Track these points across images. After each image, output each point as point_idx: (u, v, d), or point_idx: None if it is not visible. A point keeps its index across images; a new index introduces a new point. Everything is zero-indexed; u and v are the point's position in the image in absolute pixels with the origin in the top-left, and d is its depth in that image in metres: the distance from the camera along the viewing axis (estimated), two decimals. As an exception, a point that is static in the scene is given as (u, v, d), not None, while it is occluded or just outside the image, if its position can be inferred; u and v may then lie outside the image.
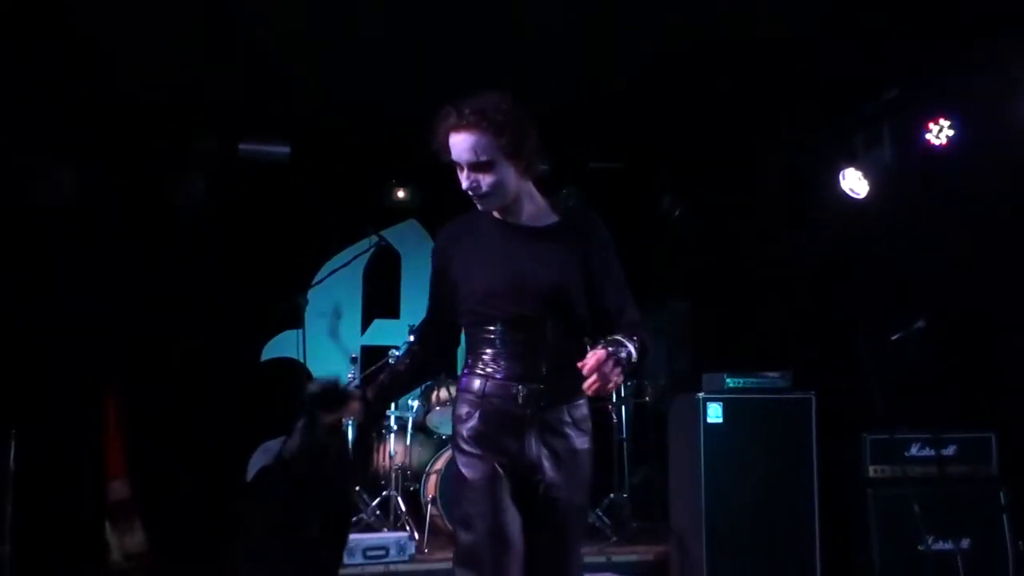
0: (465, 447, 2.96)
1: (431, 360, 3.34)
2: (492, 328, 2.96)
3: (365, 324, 8.32)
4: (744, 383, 5.94)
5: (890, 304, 6.22)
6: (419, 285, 8.26)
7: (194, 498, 7.01)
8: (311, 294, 7.53)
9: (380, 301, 8.36)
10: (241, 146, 7.24)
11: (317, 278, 7.71)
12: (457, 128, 2.92)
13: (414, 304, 8.32)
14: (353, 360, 7.16)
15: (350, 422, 6.75)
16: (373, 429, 7.22)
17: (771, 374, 6.00)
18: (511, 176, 2.98)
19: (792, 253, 7.08)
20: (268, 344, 7.92)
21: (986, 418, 5.84)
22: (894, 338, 5.31)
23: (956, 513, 5.43)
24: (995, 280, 5.94)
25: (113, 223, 7.13)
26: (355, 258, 7.80)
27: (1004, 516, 5.59)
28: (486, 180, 2.95)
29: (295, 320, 7.38)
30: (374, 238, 7.68)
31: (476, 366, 3.01)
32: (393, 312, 8.37)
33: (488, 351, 2.98)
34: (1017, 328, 5.84)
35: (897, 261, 6.48)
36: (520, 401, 2.92)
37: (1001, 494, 5.65)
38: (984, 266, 5.97)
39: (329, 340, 8.12)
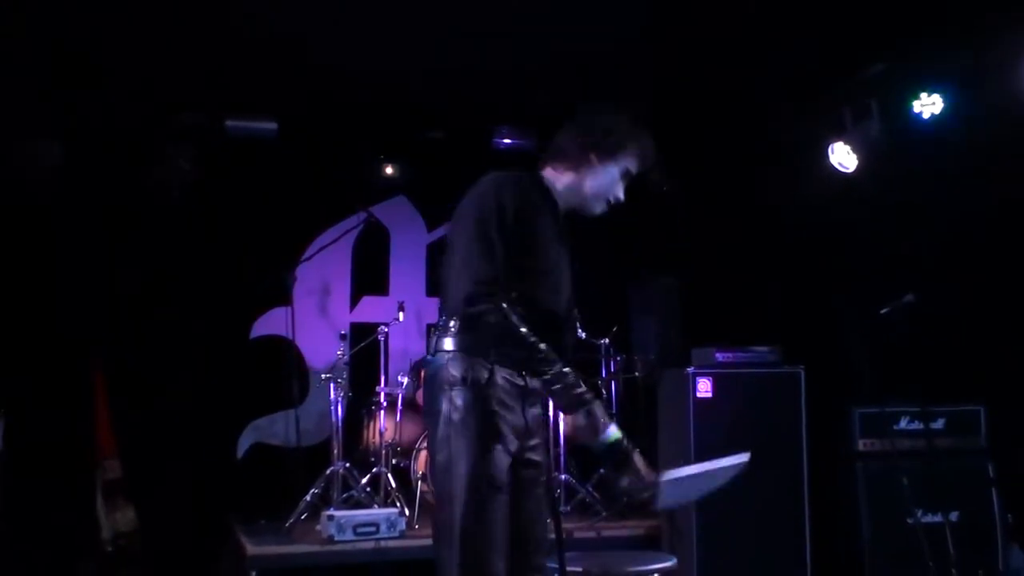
0: (473, 407, 2.85)
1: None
2: (532, 311, 2.87)
3: (354, 301, 8.30)
4: (733, 358, 5.95)
5: (879, 278, 6.22)
6: (408, 261, 8.28)
7: (184, 476, 7.02)
8: (300, 271, 7.50)
9: (369, 278, 8.34)
10: (228, 122, 7.19)
11: (306, 255, 7.69)
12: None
13: (403, 281, 8.31)
14: (342, 337, 7.14)
15: (340, 399, 6.77)
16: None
17: (760, 348, 6.00)
18: None
19: (781, 228, 7.08)
20: (257, 321, 7.90)
21: (975, 391, 5.86)
22: (883, 312, 5.30)
23: (945, 486, 5.45)
24: (983, 253, 5.95)
25: (100, 199, 7.10)
26: (344, 234, 7.78)
27: (992, 489, 5.63)
28: None
29: (284, 297, 7.37)
30: (363, 214, 7.65)
31: (481, 337, 2.88)
32: (382, 289, 8.36)
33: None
34: (1005, 302, 5.86)
35: (886, 235, 6.49)
36: (523, 372, 2.92)
37: (989, 467, 5.68)
38: (972, 239, 5.99)
39: (318, 316, 8.10)
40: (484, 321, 2.82)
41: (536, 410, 3.04)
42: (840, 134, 6.57)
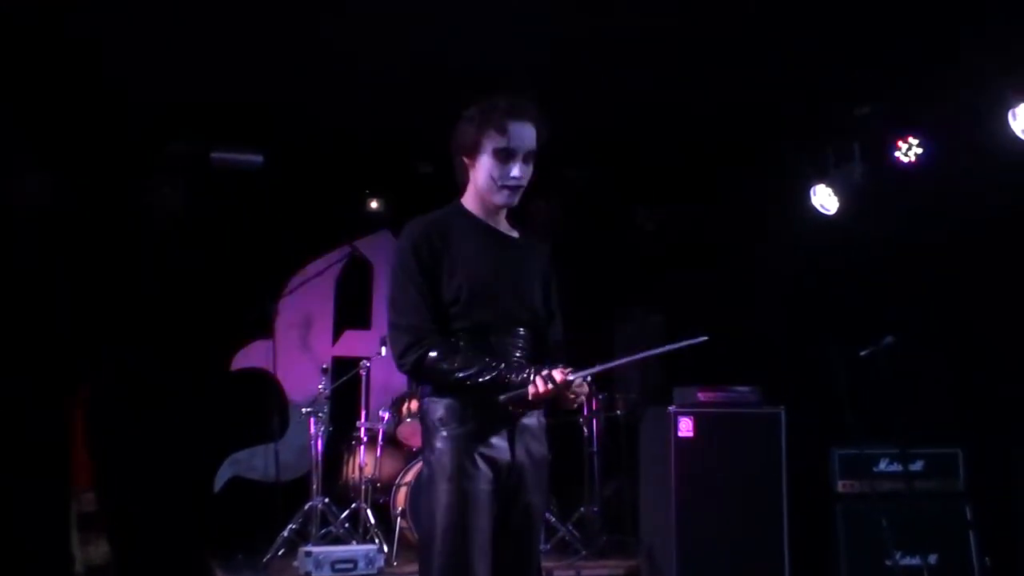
0: (453, 446, 2.84)
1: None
2: (480, 332, 2.91)
3: (337, 335, 8.28)
4: (715, 397, 5.96)
5: (859, 320, 6.26)
6: (392, 296, 8.23)
7: (161, 510, 6.95)
8: (282, 304, 7.50)
9: (352, 312, 8.33)
10: (213, 154, 7.19)
11: (289, 288, 7.68)
12: (519, 117, 2.96)
13: (386, 315, 8.27)
14: (324, 371, 7.12)
15: (321, 433, 6.74)
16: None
17: (741, 388, 6.02)
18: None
19: (764, 268, 7.13)
20: (238, 354, 7.87)
21: (953, 434, 5.88)
22: (863, 354, 5.33)
23: (924, 528, 5.46)
24: (963, 296, 6.00)
25: (84, 228, 7.08)
26: (327, 268, 7.79)
27: (970, 532, 5.63)
28: (527, 173, 2.99)
29: (266, 330, 7.35)
30: (347, 248, 7.66)
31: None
32: (365, 323, 8.35)
33: (477, 354, 2.87)
34: (984, 344, 5.90)
35: (866, 277, 6.53)
36: (508, 411, 2.87)
37: (967, 510, 5.69)
38: (952, 282, 6.03)
39: (300, 350, 8.08)
40: (417, 370, 2.88)
41: (538, 447, 2.98)
42: (822, 176, 6.64)
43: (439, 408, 2.87)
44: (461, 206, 3.08)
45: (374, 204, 7.97)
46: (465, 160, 3.02)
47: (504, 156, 2.93)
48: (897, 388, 5.53)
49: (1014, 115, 5.14)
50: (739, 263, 7.33)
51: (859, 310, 6.43)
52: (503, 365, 2.83)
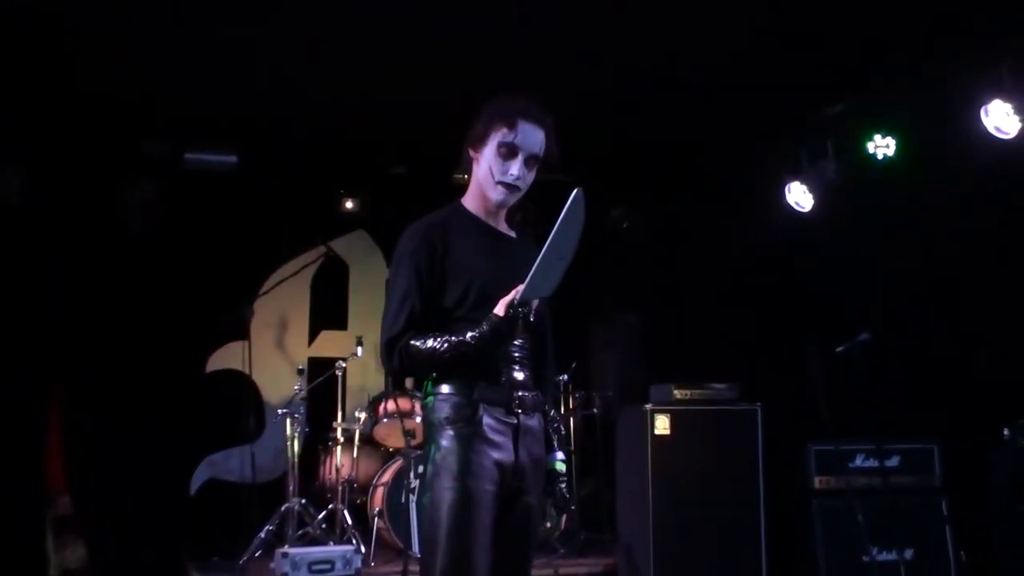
0: (457, 449, 2.82)
1: None
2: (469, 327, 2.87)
3: (312, 335, 8.25)
4: (691, 395, 5.97)
5: (835, 316, 6.29)
6: (367, 296, 8.24)
7: (137, 512, 6.90)
8: (257, 305, 7.46)
9: (328, 312, 8.30)
10: (187, 155, 7.15)
11: (264, 289, 7.65)
12: (530, 119, 2.96)
13: (362, 315, 8.27)
14: (299, 372, 7.09)
15: (297, 434, 6.71)
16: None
17: (718, 385, 6.03)
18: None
19: (739, 266, 7.14)
20: (213, 355, 7.82)
21: (929, 428, 5.91)
22: (839, 350, 5.35)
23: (900, 523, 5.48)
24: (937, 292, 6.03)
25: (57, 230, 7.02)
26: (303, 268, 7.75)
27: (947, 527, 5.66)
28: (528, 177, 3.00)
29: (241, 331, 7.31)
30: (322, 248, 7.63)
31: (463, 375, 2.88)
32: (341, 323, 8.32)
33: (481, 359, 2.87)
34: (959, 339, 5.93)
35: (842, 273, 6.56)
36: (514, 407, 2.89)
37: (943, 504, 5.72)
38: (926, 278, 6.07)
39: (276, 351, 8.04)
40: (403, 360, 2.86)
41: (538, 449, 2.97)
42: (797, 174, 6.66)
43: (446, 407, 2.86)
44: (461, 206, 3.07)
45: (349, 204, 7.95)
46: (471, 152, 3.01)
47: (507, 152, 2.93)
48: (873, 384, 5.56)
49: (986, 111, 5.17)
50: (715, 261, 7.35)
51: (835, 306, 6.46)
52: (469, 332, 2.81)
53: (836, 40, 5.33)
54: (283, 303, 7.98)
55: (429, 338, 2.83)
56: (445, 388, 2.89)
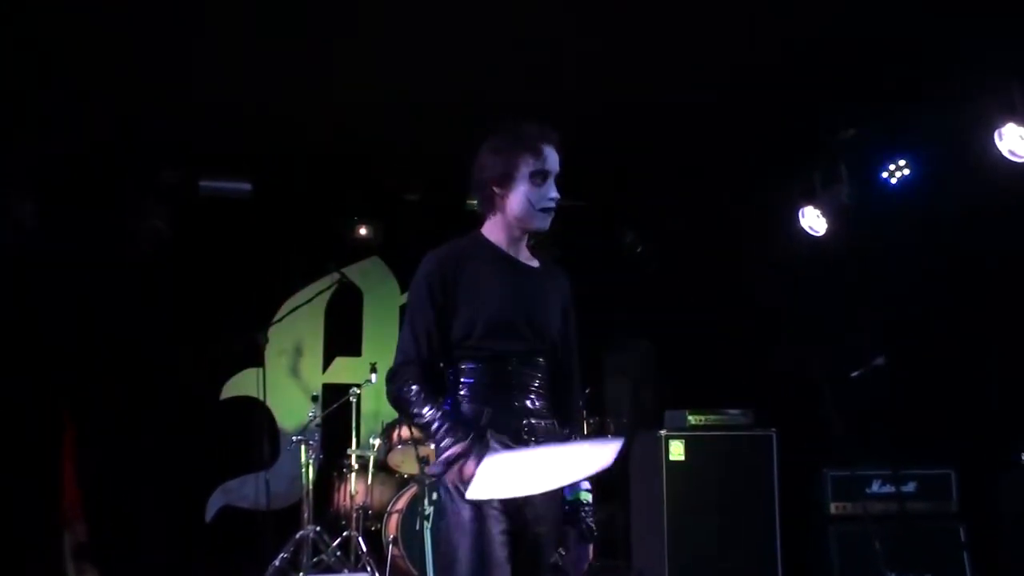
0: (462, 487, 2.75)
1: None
2: (499, 363, 2.89)
3: (327, 362, 8.26)
4: (706, 420, 5.95)
5: (850, 341, 6.26)
6: (382, 322, 8.25)
7: (153, 539, 6.91)
8: (272, 332, 7.47)
9: (342, 339, 8.31)
10: (202, 183, 7.19)
11: (278, 316, 7.67)
12: (550, 141, 2.99)
13: (376, 342, 8.28)
14: (314, 399, 7.09)
15: (311, 461, 6.71)
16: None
17: (733, 411, 6.01)
18: None
19: (754, 290, 7.13)
20: (228, 382, 7.84)
21: (946, 454, 5.87)
22: (854, 375, 5.34)
23: (917, 550, 5.45)
24: (952, 317, 6.00)
25: (74, 258, 7.06)
26: (317, 295, 7.78)
27: (964, 553, 5.61)
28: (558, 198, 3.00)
29: (256, 358, 7.33)
30: (336, 275, 7.64)
31: (475, 398, 2.88)
32: (355, 350, 8.32)
33: (493, 384, 2.89)
34: (975, 364, 5.90)
35: (856, 298, 6.54)
36: (524, 437, 2.85)
37: (961, 531, 5.68)
38: (941, 303, 6.04)
39: (290, 378, 8.05)
40: (395, 398, 2.88)
41: None
42: (810, 198, 6.65)
43: None
44: (482, 236, 3.05)
45: (363, 231, 7.97)
46: (496, 190, 2.97)
47: (541, 179, 2.94)
48: (888, 409, 5.54)
49: (1000, 135, 5.16)
50: (729, 285, 7.34)
51: (850, 331, 6.44)
52: (448, 427, 2.76)
53: (850, 64, 5.34)
54: (298, 330, 8.00)
55: (423, 400, 2.82)
56: (457, 404, 2.88)
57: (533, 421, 2.89)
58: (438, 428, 2.78)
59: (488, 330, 2.87)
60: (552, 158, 2.97)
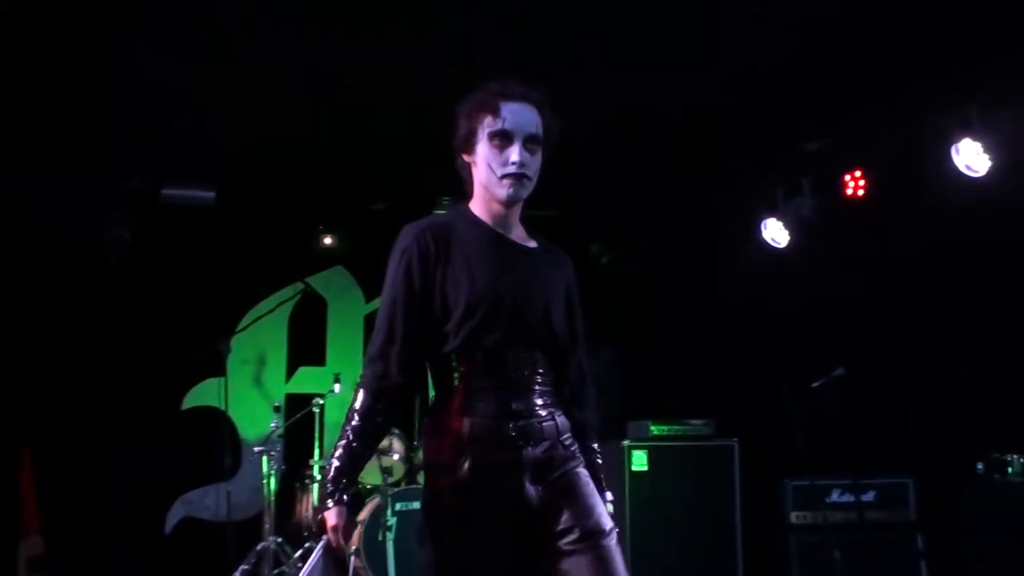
0: (454, 504, 2.51)
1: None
2: (480, 354, 2.55)
3: (290, 372, 8.22)
4: (668, 430, 5.99)
5: (811, 351, 6.32)
6: (346, 332, 8.23)
7: (111, 551, 6.84)
8: (234, 341, 7.43)
9: (306, 348, 8.26)
10: (164, 191, 7.14)
11: (241, 325, 7.63)
12: (514, 98, 2.64)
13: (340, 351, 8.25)
14: (276, 409, 7.05)
15: (273, 472, 6.67)
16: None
17: (695, 421, 6.06)
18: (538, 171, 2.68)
19: (716, 301, 7.18)
20: (190, 392, 7.78)
21: (904, 463, 5.94)
22: (815, 385, 5.39)
23: (875, 558, 5.51)
24: (912, 328, 6.08)
25: (33, 267, 7.00)
26: (280, 305, 7.74)
27: (922, 561, 5.68)
28: (534, 162, 2.65)
29: (218, 368, 7.28)
30: (300, 285, 7.61)
31: (457, 400, 2.56)
32: (319, 360, 8.28)
33: (477, 383, 2.56)
34: (933, 375, 5.98)
35: (817, 309, 6.61)
36: (516, 441, 2.52)
37: (919, 539, 5.75)
38: (900, 314, 6.12)
39: (253, 388, 8.00)
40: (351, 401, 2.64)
41: (568, 480, 2.60)
42: (773, 211, 6.72)
43: (433, 444, 2.60)
44: (468, 211, 2.74)
45: (328, 240, 7.95)
46: (465, 158, 2.70)
47: (500, 140, 2.60)
48: (848, 418, 5.60)
49: (957, 150, 5.25)
50: (691, 296, 7.39)
51: (811, 342, 6.50)
52: (342, 474, 2.55)
53: (812, 78, 5.40)
54: (261, 339, 7.95)
55: (353, 431, 2.58)
56: (434, 423, 2.61)
57: (522, 423, 2.55)
58: (324, 476, 2.63)
59: (470, 316, 2.54)
60: (518, 116, 2.61)
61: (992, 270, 5.54)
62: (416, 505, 5.96)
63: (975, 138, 5.18)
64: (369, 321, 8.33)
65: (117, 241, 7.09)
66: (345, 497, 2.57)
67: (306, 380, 8.11)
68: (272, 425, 6.89)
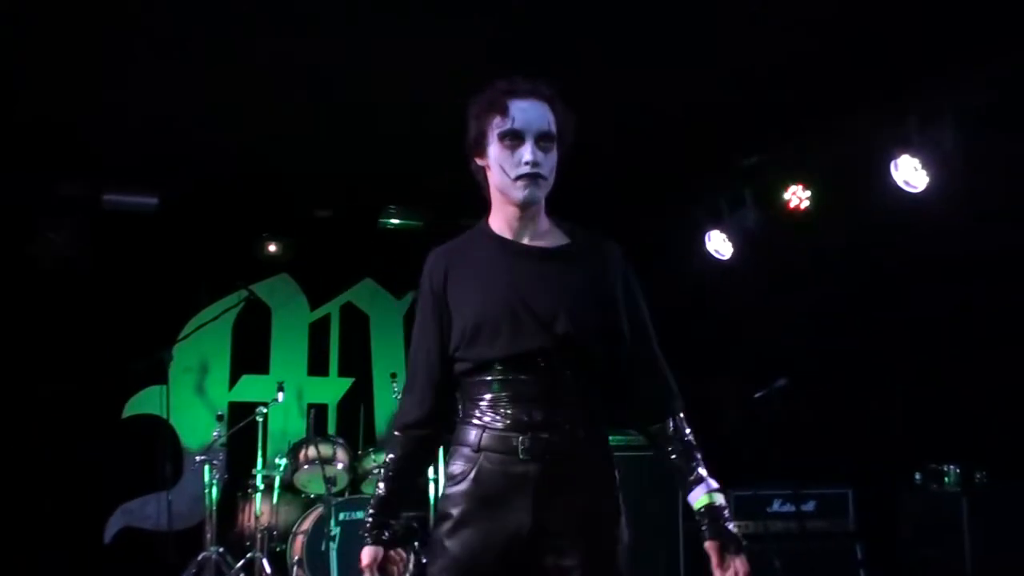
0: (454, 512, 2.42)
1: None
2: (487, 372, 2.45)
3: (233, 380, 8.14)
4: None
5: (753, 362, 6.39)
6: (290, 340, 8.18)
7: (50, 561, 6.75)
8: (177, 349, 7.35)
9: (249, 356, 8.19)
10: (106, 196, 7.06)
11: (183, 332, 7.55)
12: (522, 96, 2.51)
13: (284, 359, 8.19)
14: (219, 418, 6.98)
15: (216, 481, 6.61)
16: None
17: (637, 433, 6.07)
18: (555, 168, 2.56)
19: (659, 312, 7.21)
20: (130, 400, 7.68)
21: (845, 473, 6.01)
22: (757, 395, 5.44)
23: (815, 568, 5.57)
24: (852, 340, 6.16)
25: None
26: (224, 312, 7.66)
27: (861, 570, 5.75)
28: (549, 161, 2.52)
29: (159, 375, 7.19)
30: (243, 292, 7.55)
31: (471, 413, 2.48)
32: (263, 368, 8.22)
33: (486, 397, 2.45)
34: (872, 386, 6.07)
35: (760, 320, 6.68)
36: (522, 455, 2.38)
37: (858, 548, 5.82)
38: (841, 326, 6.20)
39: (195, 396, 7.92)
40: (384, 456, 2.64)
41: (585, 502, 2.45)
42: (717, 222, 6.78)
43: (449, 460, 2.52)
44: (485, 223, 2.62)
45: (272, 247, 7.90)
46: (478, 162, 2.58)
47: (511, 140, 2.47)
48: (790, 428, 5.66)
49: (895, 166, 5.34)
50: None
51: (753, 353, 6.57)
52: (384, 525, 2.55)
53: (754, 91, 5.47)
54: (203, 347, 7.86)
55: (385, 489, 2.59)
56: (453, 438, 2.53)
57: (534, 436, 2.40)
58: (367, 513, 2.61)
59: (477, 332, 2.44)
60: (528, 114, 2.48)
61: (930, 284, 5.63)
62: (360, 515, 5.93)
63: (913, 154, 5.28)
64: (313, 329, 8.30)
65: (54, 246, 6.99)
66: (385, 534, 2.56)
67: (249, 388, 8.04)
68: (215, 434, 6.83)
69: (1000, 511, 5.09)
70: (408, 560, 5.90)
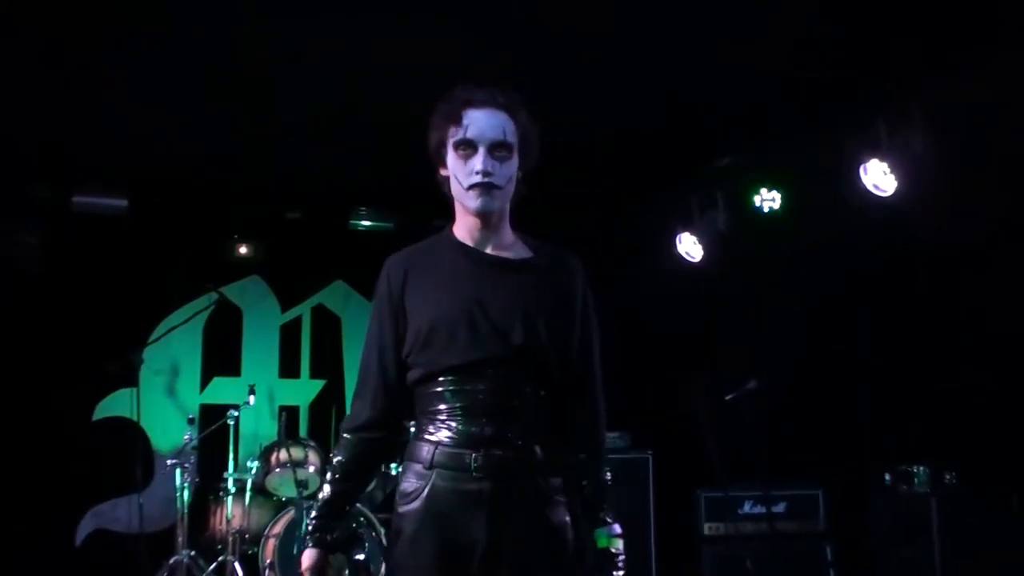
0: (408, 530, 2.39)
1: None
2: (440, 380, 2.41)
3: (204, 382, 8.10)
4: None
5: (724, 364, 6.42)
6: (261, 342, 8.15)
7: (20, 564, 6.70)
8: (147, 352, 7.30)
9: (220, 358, 8.16)
10: (75, 198, 7.01)
11: (154, 335, 7.51)
12: (478, 105, 2.47)
13: (256, 361, 8.16)
14: (190, 421, 6.94)
15: (187, 484, 6.58)
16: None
17: (610, 434, 6.05)
18: (515, 178, 2.54)
19: (631, 314, 7.25)
20: (101, 403, 7.63)
21: (815, 474, 6.05)
22: (728, 398, 5.47)
23: (786, 568, 5.59)
24: (822, 342, 6.20)
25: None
26: (195, 315, 7.62)
27: (831, 571, 5.79)
28: (503, 170, 2.46)
29: (130, 378, 7.15)
30: (214, 295, 7.51)
31: (424, 429, 2.43)
32: (234, 370, 8.18)
33: (439, 408, 2.41)
34: (842, 388, 6.11)
35: (730, 322, 6.71)
36: (475, 472, 2.35)
37: (828, 549, 5.85)
38: (811, 328, 6.24)
39: (166, 398, 7.88)
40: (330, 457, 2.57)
41: (531, 515, 2.40)
42: (687, 225, 6.81)
43: (402, 478, 2.47)
44: (448, 230, 2.60)
45: (243, 249, 7.86)
46: (442, 172, 2.55)
47: (464, 149, 2.45)
48: (760, 430, 5.69)
49: (865, 170, 5.38)
50: (606, 309, 7.43)
51: (724, 355, 6.60)
52: (327, 528, 2.51)
53: (725, 95, 5.49)
54: (174, 349, 7.82)
55: (328, 476, 2.56)
56: (407, 450, 2.49)
57: (487, 452, 2.36)
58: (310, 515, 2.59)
59: (430, 339, 2.41)
60: (482, 123, 2.45)
61: (899, 286, 5.68)
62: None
63: (882, 158, 5.32)
64: (285, 331, 8.27)
65: (24, 248, 6.94)
66: (328, 538, 2.51)
67: (220, 391, 8.01)
68: (186, 437, 6.78)
69: (969, 512, 5.13)
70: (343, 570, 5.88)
